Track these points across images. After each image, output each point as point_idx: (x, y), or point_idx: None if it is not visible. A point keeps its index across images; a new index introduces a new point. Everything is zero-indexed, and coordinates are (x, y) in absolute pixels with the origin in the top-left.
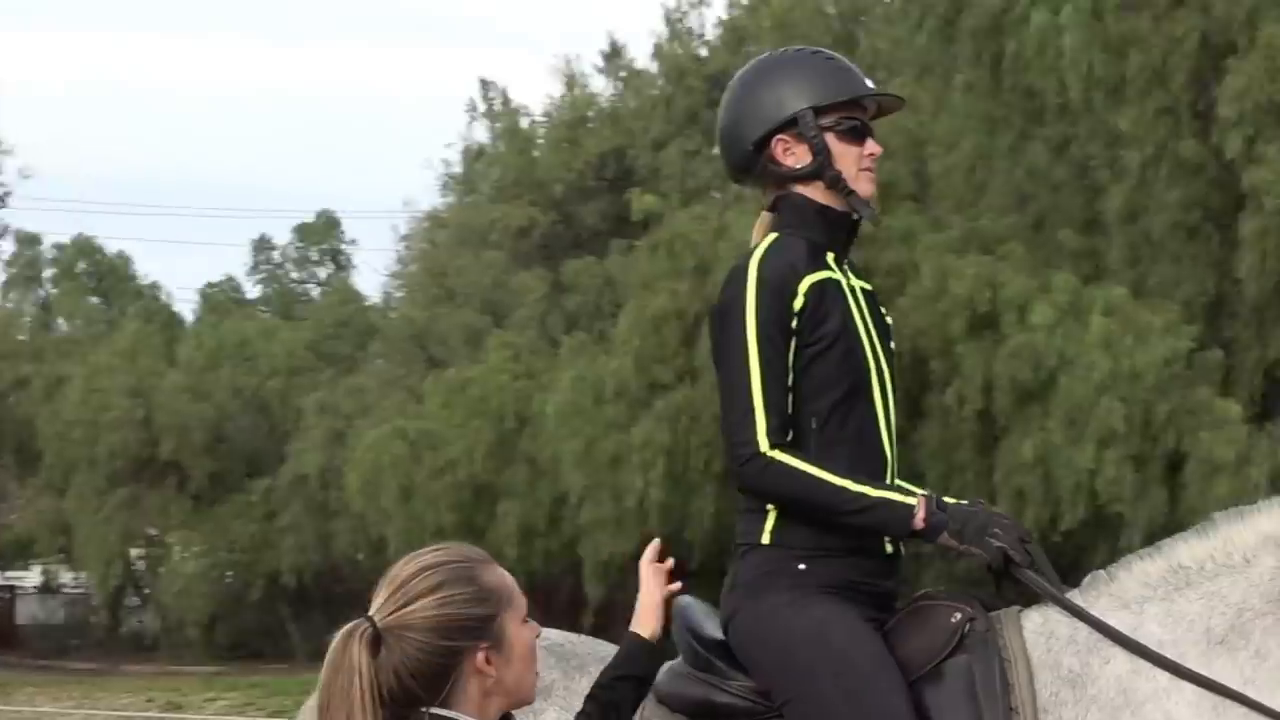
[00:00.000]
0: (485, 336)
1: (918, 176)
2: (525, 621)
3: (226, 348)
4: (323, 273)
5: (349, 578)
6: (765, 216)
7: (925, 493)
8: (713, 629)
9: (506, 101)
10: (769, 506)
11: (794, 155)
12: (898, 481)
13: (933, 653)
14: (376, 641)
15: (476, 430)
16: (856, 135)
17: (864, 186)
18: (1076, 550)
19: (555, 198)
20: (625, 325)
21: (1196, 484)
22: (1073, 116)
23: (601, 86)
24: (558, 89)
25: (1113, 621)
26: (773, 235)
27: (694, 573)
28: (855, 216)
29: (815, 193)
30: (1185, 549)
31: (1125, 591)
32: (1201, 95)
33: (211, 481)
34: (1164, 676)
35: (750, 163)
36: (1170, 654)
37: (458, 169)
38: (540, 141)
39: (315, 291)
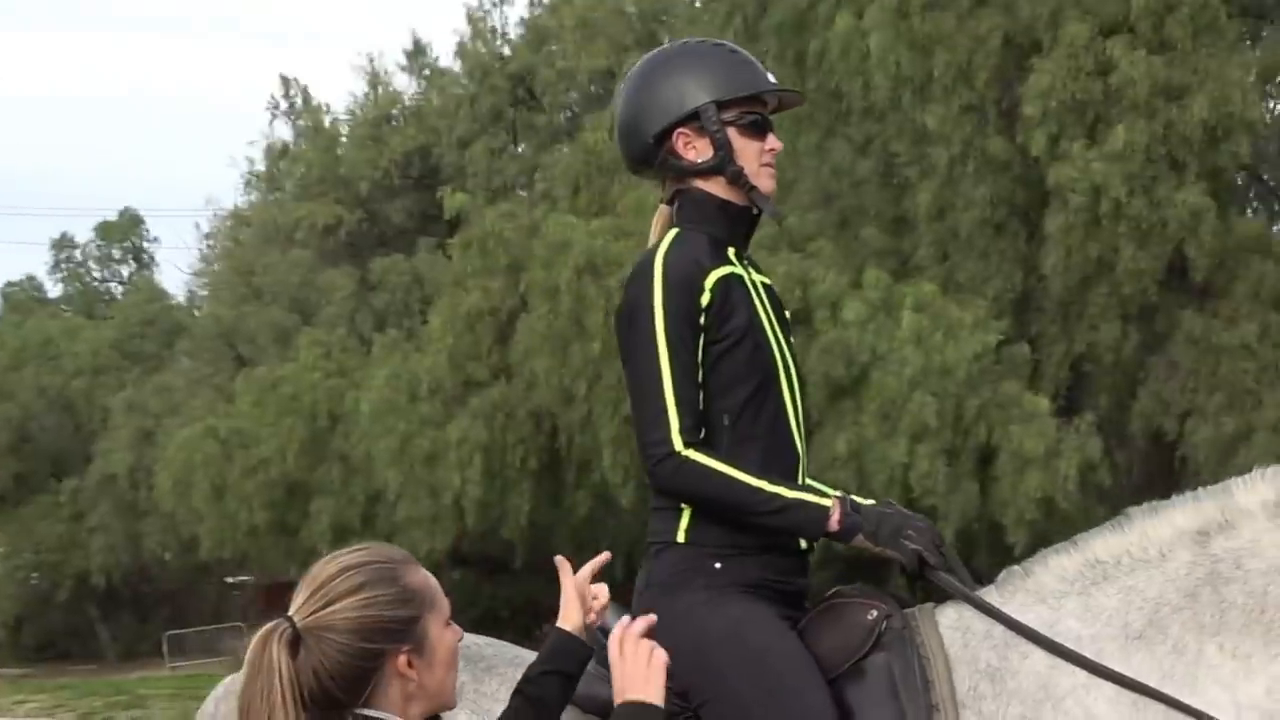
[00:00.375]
0: (294, 335)
1: None
2: (448, 625)
3: (30, 347)
4: (125, 271)
5: (158, 578)
6: (663, 210)
7: (840, 494)
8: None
9: (308, 99)
10: (683, 505)
11: (695, 149)
12: (809, 480)
13: (850, 651)
14: (296, 642)
15: (289, 428)
16: (758, 130)
17: (765, 182)
18: None
19: (361, 196)
20: (439, 322)
21: (1008, 477)
22: (879, 114)
23: (405, 85)
24: (361, 87)
25: (1030, 617)
26: (674, 231)
27: (516, 569)
28: (755, 211)
29: (715, 187)
30: (1101, 544)
31: (1042, 587)
32: (1006, 93)
33: (16, 482)
34: (1084, 672)
35: (649, 155)
36: (1089, 649)
37: (261, 167)
38: (344, 139)
39: (118, 290)
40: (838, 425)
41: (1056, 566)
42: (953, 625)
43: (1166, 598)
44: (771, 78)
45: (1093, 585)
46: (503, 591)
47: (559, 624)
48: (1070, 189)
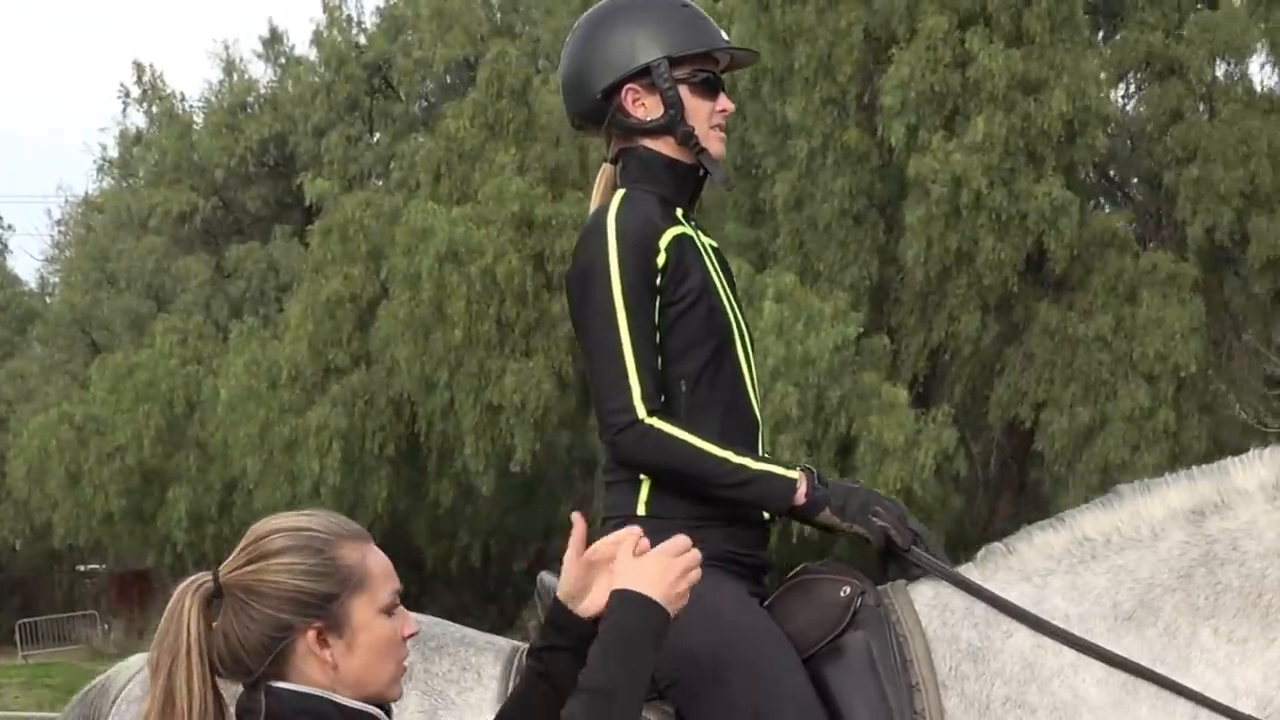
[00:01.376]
0: (149, 322)
1: (582, 166)
2: (389, 614)
3: None
4: None
5: (8, 565)
6: (606, 169)
7: (807, 466)
8: None
9: (161, 86)
10: (642, 477)
11: (644, 107)
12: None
13: (825, 628)
14: (213, 597)
15: (145, 415)
16: (710, 89)
17: (715, 145)
18: None
19: (216, 183)
20: (299, 309)
21: (868, 467)
22: (739, 106)
23: (261, 73)
24: (216, 74)
25: (1013, 594)
26: (621, 191)
27: None
28: (701, 172)
29: (663, 146)
30: (1090, 521)
31: (1026, 564)
32: (866, 86)
33: None
34: (1072, 652)
35: (596, 112)
36: (1076, 628)
37: (115, 153)
38: (199, 127)
39: None
40: None
41: (1042, 543)
42: (930, 603)
43: (1159, 578)
44: (725, 35)
45: (1080, 563)
46: None
47: (557, 594)
48: (930, 180)
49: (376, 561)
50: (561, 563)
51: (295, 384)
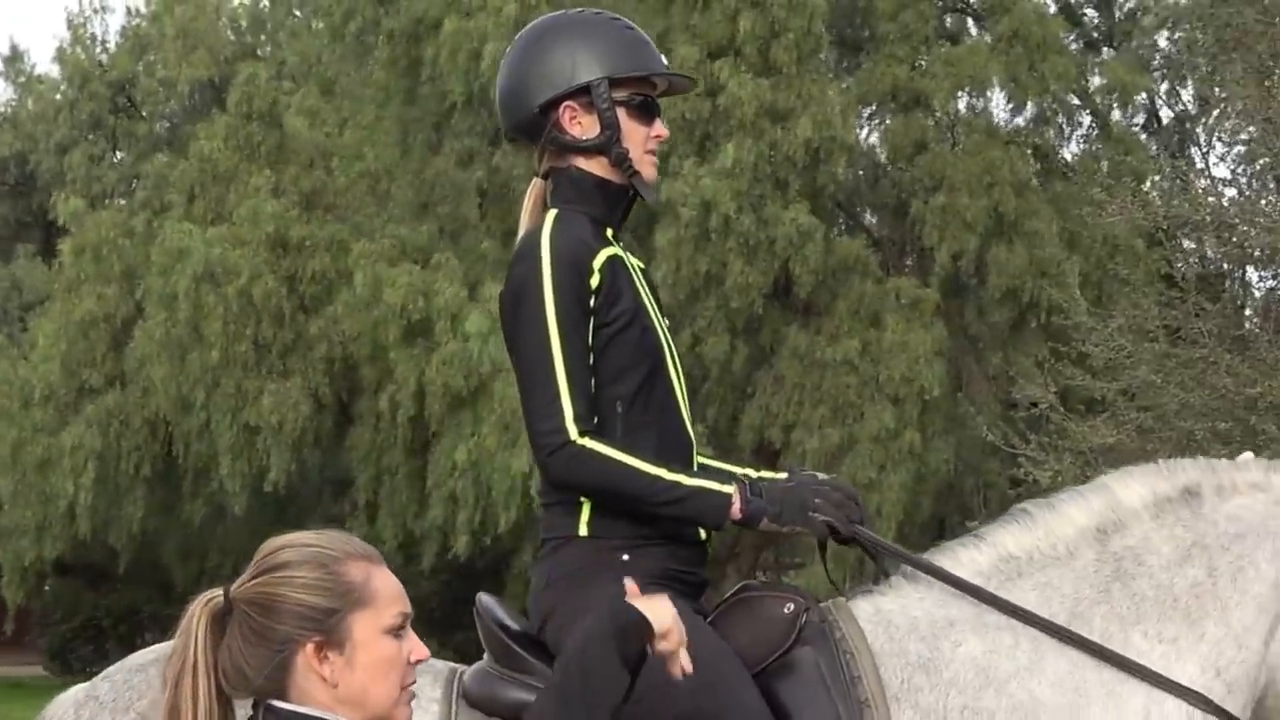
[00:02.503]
0: None
1: (335, 190)
2: (395, 635)
3: None
4: None
5: None
6: (537, 184)
7: (743, 475)
8: (517, 623)
9: None
10: (582, 498)
11: (580, 125)
12: (703, 460)
13: (772, 645)
14: (222, 614)
15: None
16: (647, 113)
17: (648, 169)
18: (509, 552)
19: None
20: (50, 329)
21: None
22: (496, 128)
23: (1, 90)
24: None
25: (953, 610)
26: (553, 211)
27: (122, 575)
28: (631, 193)
29: (596, 166)
30: (1011, 539)
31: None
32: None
33: None
34: (1024, 655)
35: (532, 126)
36: (1024, 639)
37: None
38: None
39: None
40: (458, 435)
41: (969, 560)
42: (872, 619)
43: (1082, 593)
44: (664, 60)
45: (1008, 580)
46: (104, 600)
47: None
48: (680, 204)
49: (385, 582)
50: None
51: (48, 403)
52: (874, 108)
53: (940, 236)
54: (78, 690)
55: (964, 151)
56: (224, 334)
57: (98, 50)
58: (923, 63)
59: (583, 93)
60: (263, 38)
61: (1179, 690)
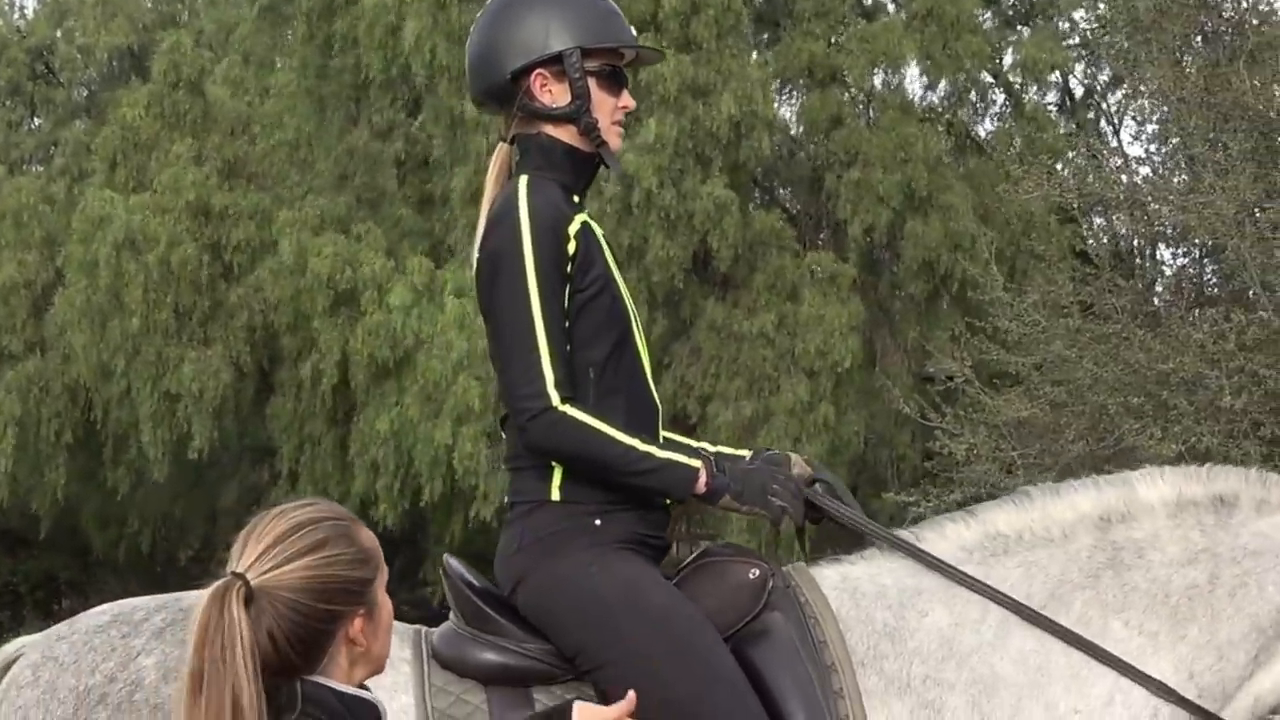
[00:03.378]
0: None
1: (260, 158)
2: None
3: None
4: None
5: None
6: (502, 149)
7: (711, 452)
8: (480, 582)
9: None
10: (554, 463)
11: (550, 93)
12: (668, 435)
13: (741, 610)
14: (248, 602)
15: None
16: (616, 84)
17: (614, 140)
18: (434, 523)
19: None
20: None
21: None
22: (414, 101)
23: None
24: None
25: (925, 580)
26: (525, 177)
27: (40, 541)
28: (597, 161)
29: (564, 134)
30: (1003, 517)
31: (938, 553)
32: None
33: None
34: (990, 630)
35: (502, 92)
36: (992, 614)
37: None
38: None
39: None
40: (380, 406)
41: (954, 535)
42: (838, 586)
43: (1069, 575)
44: (634, 31)
45: (993, 556)
46: (22, 566)
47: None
48: (604, 179)
49: (375, 540)
50: (228, 548)
51: None
52: (791, 83)
53: (854, 210)
54: (31, 649)
55: (879, 127)
56: (145, 301)
57: (15, 17)
58: (839, 39)
59: (554, 61)
60: (180, 6)
61: (1144, 679)
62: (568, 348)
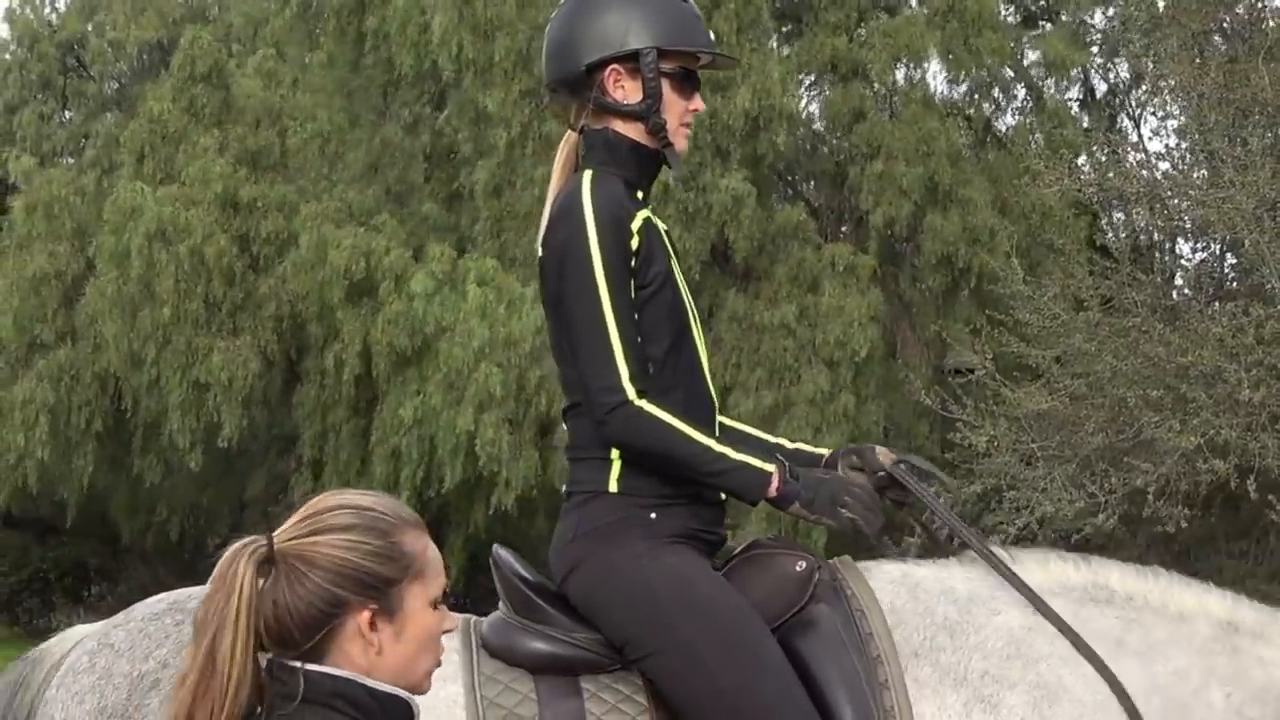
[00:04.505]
0: None
1: (283, 150)
2: (436, 607)
3: None
4: None
5: None
6: (570, 138)
7: (790, 449)
8: (531, 574)
9: None
10: (613, 454)
11: (624, 90)
12: (746, 430)
13: (788, 602)
14: (266, 563)
15: None
16: (688, 86)
17: (681, 141)
18: (455, 510)
19: None
20: (2, 284)
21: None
22: (440, 95)
23: None
24: None
25: (1006, 593)
26: (589, 172)
27: (69, 529)
28: (660, 159)
29: (632, 131)
30: (1118, 574)
31: (1034, 582)
32: None
33: None
34: (1065, 646)
35: (576, 82)
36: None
37: None
38: None
39: None
40: (403, 394)
41: (1059, 570)
42: (896, 580)
43: (1174, 655)
44: (712, 35)
45: (1091, 602)
46: (51, 553)
47: None
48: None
49: (434, 553)
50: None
51: (0, 357)
52: (813, 77)
53: (876, 203)
54: (87, 638)
55: (901, 121)
56: (175, 292)
57: (47, 11)
58: (861, 34)
59: (631, 58)
60: (209, 0)
61: None
62: (639, 341)
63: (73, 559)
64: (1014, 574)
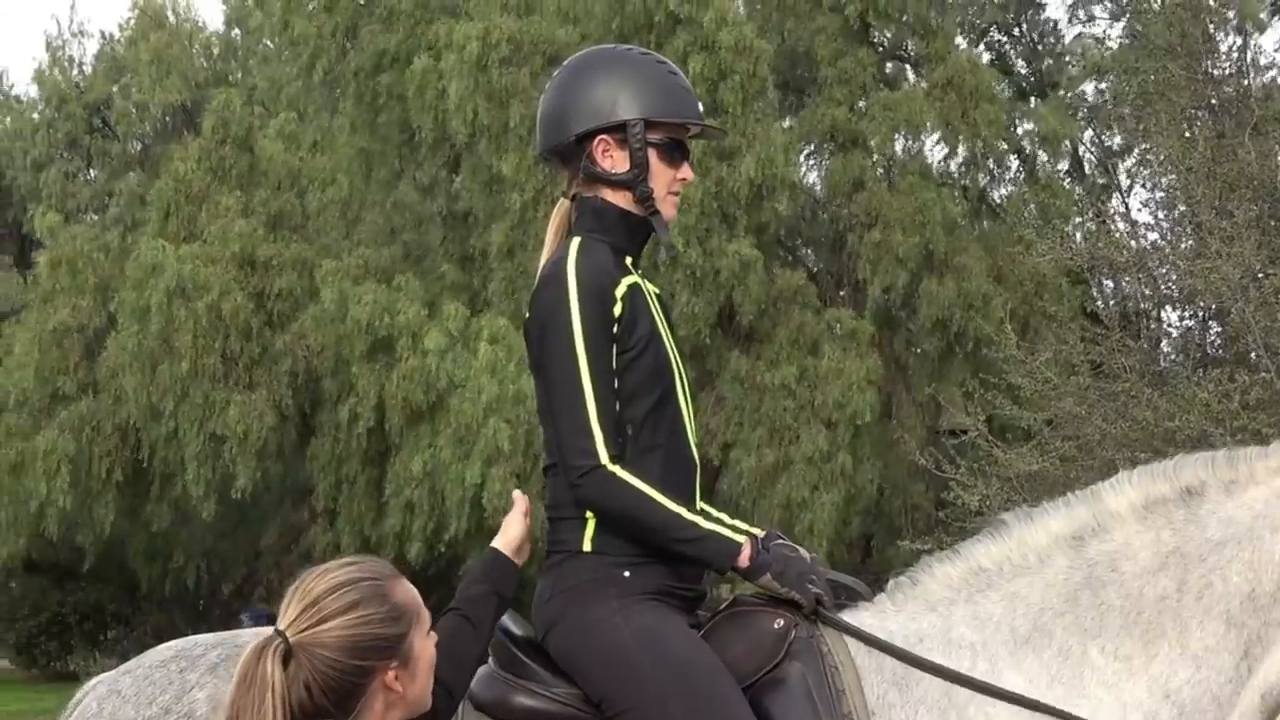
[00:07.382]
0: None
1: (303, 213)
2: (428, 634)
3: None
4: None
5: None
6: (563, 205)
7: (755, 532)
8: (521, 629)
9: None
10: (588, 515)
11: (612, 159)
12: (703, 507)
13: (763, 659)
14: (288, 657)
15: None
16: (676, 156)
17: (668, 210)
18: (460, 559)
19: None
20: (26, 337)
21: None
22: (455, 159)
23: None
24: None
25: (924, 624)
26: (577, 240)
27: (88, 573)
28: (651, 228)
29: (620, 199)
30: (983, 551)
31: (930, 594)
32: None
33: None
34: (981, 676)
35: (567, 152)
36: (981, 657)
37: None
38: None
39: None
40: (415, 447)
41: (942, 575)
42: (867, 631)
43: (1049, 603)
44: (700, 107)
45: (978, 592)
46: (70, 598)
47: (494, 544)
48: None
49: (413, 592)
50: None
51: (23, 409)
52: (814, 147)
53: (874, 270)
54: (100, 684)
55: (899, 191)
56: (193, 347)
57: (75, 73)
58: (861, 106)
59: (619, 129)
60: (233, 64)
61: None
62: (616, 406)
63: (91, 603)
64: (883, 640)
